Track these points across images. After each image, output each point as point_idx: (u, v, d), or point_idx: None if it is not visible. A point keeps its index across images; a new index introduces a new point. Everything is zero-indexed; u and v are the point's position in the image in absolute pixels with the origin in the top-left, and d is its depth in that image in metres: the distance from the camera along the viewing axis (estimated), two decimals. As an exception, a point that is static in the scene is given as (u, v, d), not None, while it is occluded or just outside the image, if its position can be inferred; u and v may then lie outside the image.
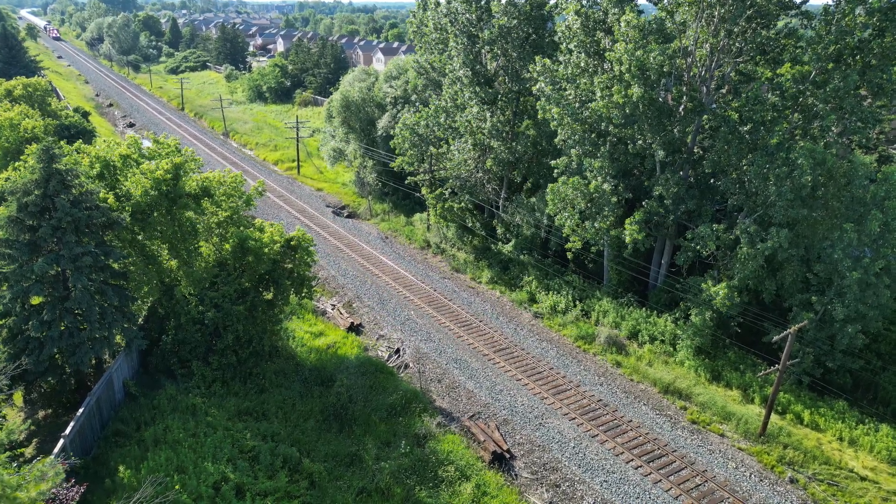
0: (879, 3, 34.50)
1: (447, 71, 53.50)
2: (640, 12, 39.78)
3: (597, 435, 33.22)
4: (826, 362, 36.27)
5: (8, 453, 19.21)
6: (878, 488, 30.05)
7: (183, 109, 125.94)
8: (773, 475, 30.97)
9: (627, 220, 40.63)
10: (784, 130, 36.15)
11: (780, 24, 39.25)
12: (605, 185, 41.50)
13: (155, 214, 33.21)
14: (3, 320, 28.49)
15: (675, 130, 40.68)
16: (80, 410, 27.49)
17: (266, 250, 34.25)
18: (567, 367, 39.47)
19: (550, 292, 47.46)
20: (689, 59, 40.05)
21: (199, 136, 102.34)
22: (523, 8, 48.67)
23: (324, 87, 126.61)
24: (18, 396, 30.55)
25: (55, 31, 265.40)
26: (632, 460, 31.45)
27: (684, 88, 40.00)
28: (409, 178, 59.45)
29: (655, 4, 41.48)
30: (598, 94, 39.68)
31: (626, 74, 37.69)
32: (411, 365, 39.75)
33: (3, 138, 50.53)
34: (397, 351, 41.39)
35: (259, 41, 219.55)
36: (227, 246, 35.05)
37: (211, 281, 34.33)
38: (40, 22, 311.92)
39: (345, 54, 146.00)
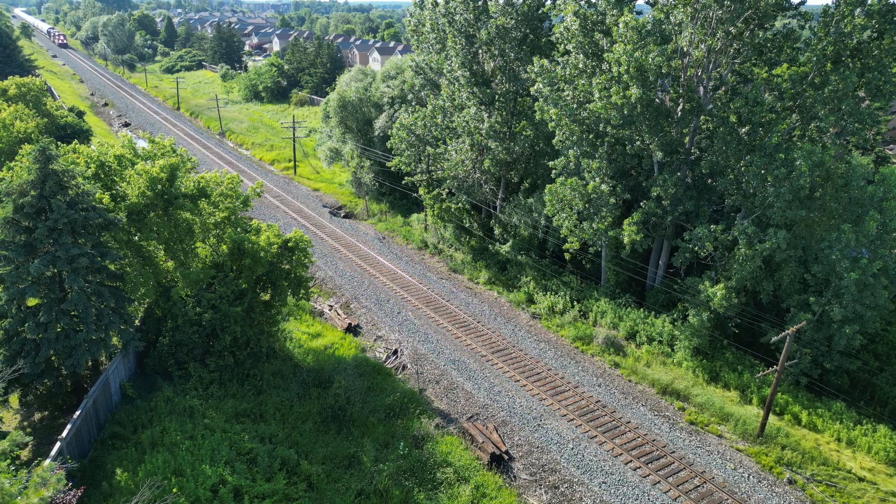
0: (879, 6, 34.57)
1: (445, 71, 53.40)
2: (639, 13, 39.78)
3: (595, 436, 33.19)
4: (824, 363, 36.34)
5: (7, 461, 19.00)
6: (877, 489, 30.10)
7: (179, 109, 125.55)
8: (772, 476, 31.00)
9: (626, 221, 40.62)
10: (782, 131, 36.19)
11: (778, 23, 39.27)
12: (603, 186, 41.48)
13: (151, 215, 33.04)
14: (0, 322, 28.29)
15: (673, 131, 40.70)
16: (77, 413, 27.30)
17: (263, 253, 34.09)
18: (565, 368, 39.43)
19: (548, 293, 47.43)
20: (686, 60, 40.06)
21: (195, 135, 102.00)
22: (520, 8, 48.61)
23: (320, 86, 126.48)
24: (15, 399, 30.35)
25: (62, 37, 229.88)
26: (630, 461, 31.43)
27: (681, 90, 40.01)
28: (406, 178, 59.34)
29: (652, 6, 41.48)
30: (597, 94, 39.65)
31: (625, 75, 37.67)
32: (409, 366, 39.66)
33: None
34: (395, 352, 41.28)
35: (255, 40, 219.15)
36: (224, 247, 34.89)
37: (208, 282, 34.16)
38: (40, 24, 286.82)
39: (341, 54, 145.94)
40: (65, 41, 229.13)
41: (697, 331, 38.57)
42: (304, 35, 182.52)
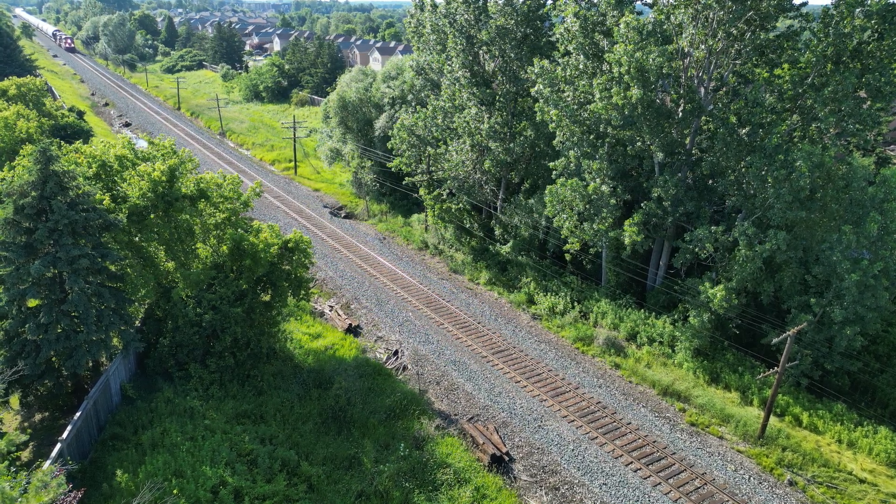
0: (878, 6, 34.52)
1: (445, 71, 53.39)
2: (640, 14, 39.76)
3: (596, 437, 33.17)
4: (824, 364, 36.29)
5: (6, 463, 19.00)
6: (877, 490, 30.08)
7: (179, 109, 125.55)
8: (773, 477, 30.97)
9: (626, 222, 40.60)
10: (782, 132, 36.15)
11: (779, 24, 39.23)
12: (604, 187, 41.45)
13: (151, 216, 33.04)
14: (0, 323, 28.30)
15: (674, 132, 40.67)
16: (77, 414, 27.31)
17: (263, 253, 34.09)
18: (566, 369, 39.41)
19: (549, 293, 47.40)
20: (687, 61, 40.03)
21: (196, 135, 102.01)
22: (521, 9, 48.58)
23: (320, 86, 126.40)
24: (15, 400, 30.35)
25: (69, 41, 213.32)
26: (631, 463, 31.41)
27: (682, 90, 39.98)
28: (406, 178, 59.32)
29: (651, 7, 41.46)
30: (597, 95, 39.62)
31: (626, 76, 37.64)
32: (410, 367, 39.64)
33: (-1, 138, 50.28)
34: (396, 353, 41.27)
35: (255, 40, 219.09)
36: (225, 248, 34.89)
37: (208, 283, 34.16)
38: (43, 24, 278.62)
39: (341, 54, 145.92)
40: (72, 45, 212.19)
41: (698, 332, 38.55)
42: (305, 35, 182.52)
